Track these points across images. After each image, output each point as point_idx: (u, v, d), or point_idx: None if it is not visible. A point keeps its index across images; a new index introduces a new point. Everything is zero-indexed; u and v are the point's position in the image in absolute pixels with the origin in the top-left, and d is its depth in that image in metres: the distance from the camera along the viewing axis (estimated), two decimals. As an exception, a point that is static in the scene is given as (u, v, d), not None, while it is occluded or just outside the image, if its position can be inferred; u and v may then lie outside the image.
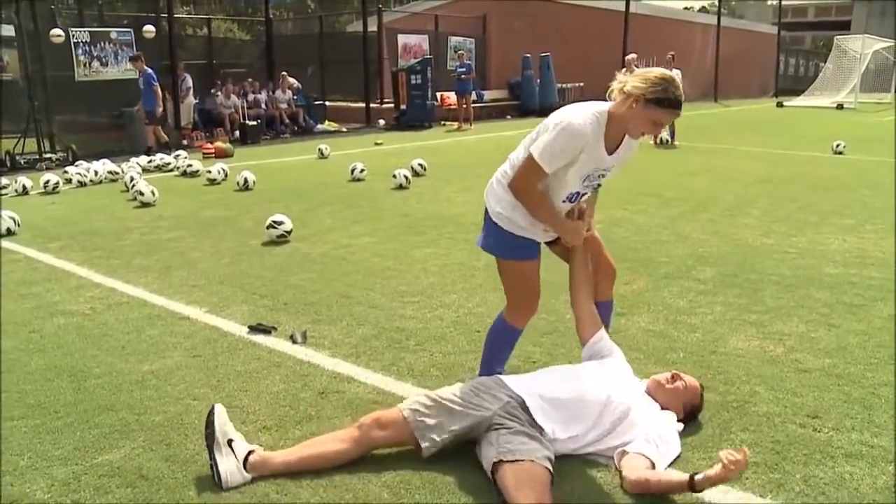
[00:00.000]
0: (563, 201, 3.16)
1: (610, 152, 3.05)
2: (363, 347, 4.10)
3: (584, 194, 3.22)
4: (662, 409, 3.07)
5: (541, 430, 2.82)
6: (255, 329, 4.32)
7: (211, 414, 2.79)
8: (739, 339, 4.19)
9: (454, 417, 2.85)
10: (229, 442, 2.75)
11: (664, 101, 2.86)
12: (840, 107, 27.95)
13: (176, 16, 18.62)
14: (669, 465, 2.84)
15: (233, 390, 3.54)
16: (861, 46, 30.59)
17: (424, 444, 2.83)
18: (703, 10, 60.52)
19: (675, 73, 13.23)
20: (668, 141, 14.45)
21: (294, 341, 4.15)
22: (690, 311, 4.67)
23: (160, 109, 13.59)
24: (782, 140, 16.13)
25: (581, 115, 2.96)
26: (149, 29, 14.93)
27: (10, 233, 6.93)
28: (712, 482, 2.47)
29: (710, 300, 4.89)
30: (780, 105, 29.53)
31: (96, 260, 6.01)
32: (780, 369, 3.78)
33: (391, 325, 4.43)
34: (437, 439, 2.83)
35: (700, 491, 2.54)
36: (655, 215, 7.57)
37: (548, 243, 3.39)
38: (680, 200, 8.40)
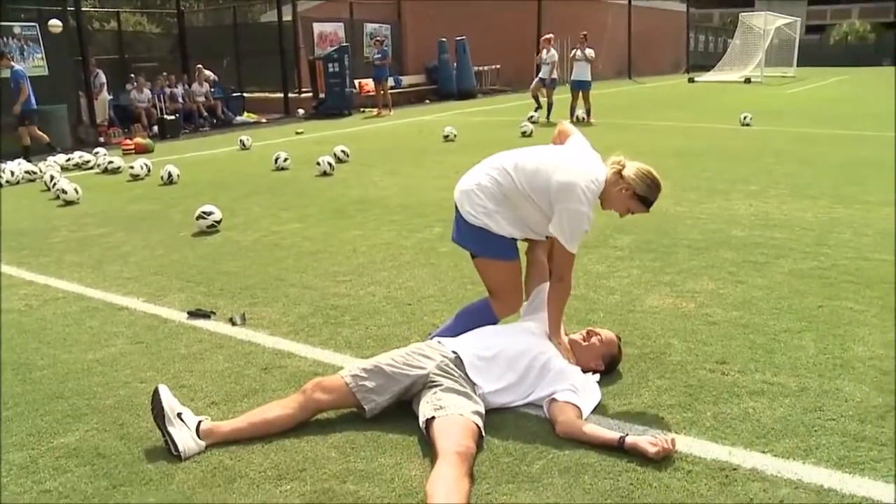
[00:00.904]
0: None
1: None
2: (301, 325, 4.27)
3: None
4: (583, 367, 3.33)
5: (473, 385, 3.05)
6: (195, 314, 4.44)
7: (156, 394, 2.91)
8: (655, 298, 4.52)
9: (392, 380, 3.06)
10: (178, 415, 2.90)
11: (647, 200, 3.35)
12: (747, 81, 29.06)
13: (83, 9, 18.15)
14: (592, 411, 3.12)
15: (178, 371, 3.67)
16: (764, 23, 31.81)
17: (368, 406, 3.03)
18: (614, -11, 61.63)
19: (589, 52, 13.63)
20: (584, 119, 14.88)
21: (234, 323, 4.29)
22: (609, 276, 4.98)
23: (17, 109, 12.55)
24: (694, 114, 16.79)
25: (587, 200, 3.27)
26: (55, 23, 14.54)
27: (-72, 237, 6.80)
28: (638, 451, 2.75)
29: (628, 265, 5.21)
30: (691, 81, 30.53)
31: (25, 259, 5.98)
32: (692, 323, 4.11)
33: (326, 304, 4.61)
34: (379, 400, 3.04)
35: (625, 451, 2.79)
36: (574, 190, 7.88)
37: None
38: (597, 175, 8.73)
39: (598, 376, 3.35)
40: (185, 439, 2.85)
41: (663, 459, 2.73)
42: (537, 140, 12.31)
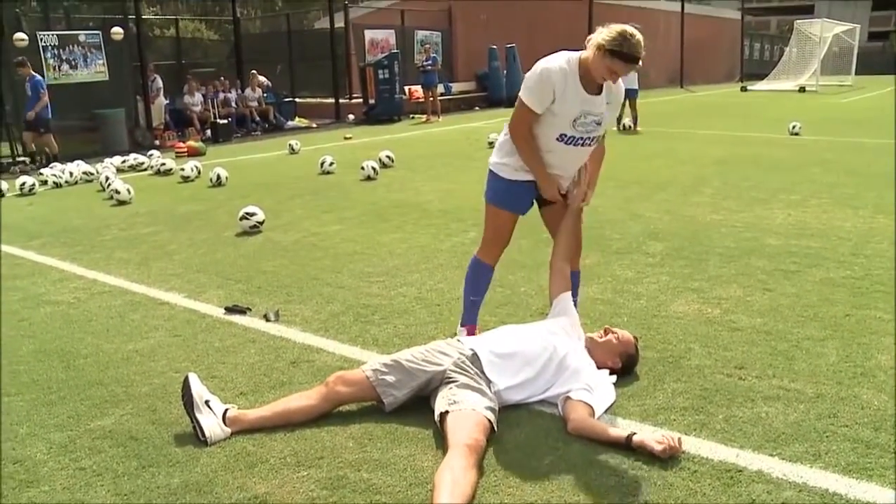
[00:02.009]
0: (557, 139, 3.53)
1: (592, 93, 3.45)
2: (331, 322, 4.42)
3: (581, 140, 3.56)
4: (599, 364, 3.42)
5: (489, 382, 3.15)
6: (231, 310, 4.62)
7: (186, 381, 3.08)
8: (680, 304, 4.56)
9: (411, 375, 3.18)
10: (206, 402, 3.06)
11: (619, 53, 3.28)
12: (802, 90, 28.55)
13: (143, 17, 18.74)
14: (606, 411, 3.19)
15: (211, 363, 3.86)
16: (821, 30, 31.22)
17: (387, 400, 3.16)
18: (669, -3, 61.06)
19: None
20: (630, 127, 14.84)
21: (267, 319, 4.46)
22: (637, 281, 5.03)
23: (31, 115, 12.68)
24: (742, 123, 16.61)
25: (552, 58, 3.45)
26: (117, 31, 15.08)
27: (-10, 233, 7.17)
28: (645, 449, 2.82)
29: (657, 271, 5.25)
30: (743, 90, 30.13)
31: (77, 255, 6.27)
32: (715, 329, 4.14)
33: (358, 303, 4.75)
34: (398, 395, 3.16)
35: (633, 449, 2.86)
36: (613, 197, 7.92)
37: (542, 209, 3.86)
38: (638, 183, 8.76)
39: (614, 377, 3.42)
40: (212, 426, 3.01)
41: (670, 458, 2.80)
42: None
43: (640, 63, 3.34)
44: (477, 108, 23.23)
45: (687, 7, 36.49)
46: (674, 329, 4.15)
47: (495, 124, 15.94)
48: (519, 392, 3.22)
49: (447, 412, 2.94)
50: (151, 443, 3.04)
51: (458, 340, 3.43)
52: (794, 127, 13.81)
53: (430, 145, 14.08)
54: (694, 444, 2.93)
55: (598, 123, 3.55)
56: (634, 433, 2.89)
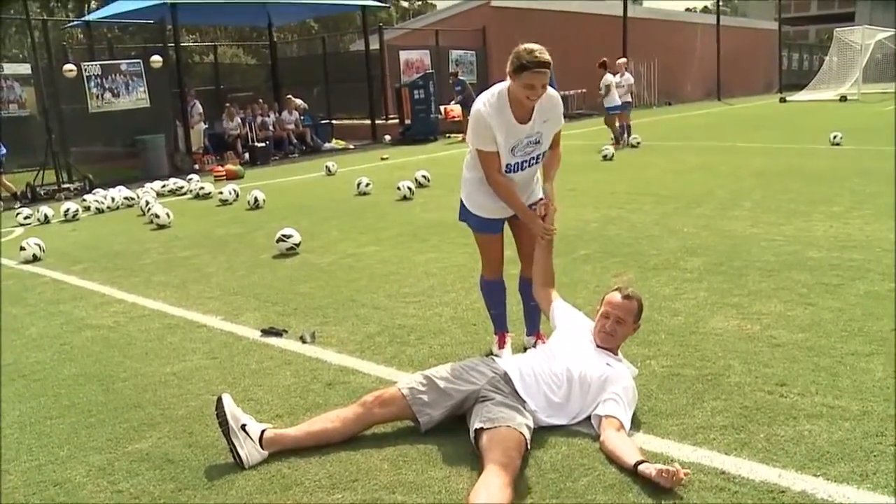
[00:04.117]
0: (505, 171, 3.69)
1: (523, 121, 3.58)
2: (367, 344, 4.42)
3: (525, 164, 3.71)
4: (617, 347, 3.41)
5: (523, 402, 3.13)
6: (268, 332, 4.66)
7: (220, 404, 3.09)
8: (719, 320, 4.48)
9: (446, 395, 3.17)
10: (243, 427, 3.06)
11: (522, 66, 3.42)
12: (843, 99, 28.08)
13: (182, 44, 19.12)
14: (636, 420, 3.17)
15: (248, 385, 3.88)
16: (861, 38, 30.71)
17: (422, 419, 3.15)
18: (705, 9, 60.72)
19: (627, 77, 13.84)
20: (637, 144, 14.85)
21: (303, 341, 4.48)
22: (675, 297, 4.96)
23: None
24: (781, 134, 16.38)
25: (482, 97, 3.61)
26: (156, 59, 15.42)
27: (35, 259, 7.35)
28: (650, 478, 2.72)
29: (695, 287, 5.18)
30: (782, 100, 29.71)
31: (118, 279, 6.39)
32: (755, 345, 4.06)
33: (393, 323, 4.75)
34: (434, 414, 3.15)
35: (638, 476, 2.78)
36: (650, 213, 7.85)
37: (512, 228, 3.98)
38: (674, 198, 8.67)
39: (636, 371, 3.40)
40: (249, 450, 3.02)
41: (676, 485, 2.69)
42: (618, 164, 12.27)
43: (551, 67, 3.46)
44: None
45: (723, 19, 36.26)
46: (713, 346, 4.08)
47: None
48: (552, 415, 3.19)
49: (482, 429, 2.92)
50: (188, 465, 3.06)
51: (493, 359, 3.42)
52: (835, 137, 13.57)
53: (466, 164, 14.07)
54: (734, 464, 2.86)
55: (537, 142, 3.67)
56: (643, 461, 2.80)
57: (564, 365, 3.26)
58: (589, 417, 3.20)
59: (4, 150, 12.28)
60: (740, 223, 7.11)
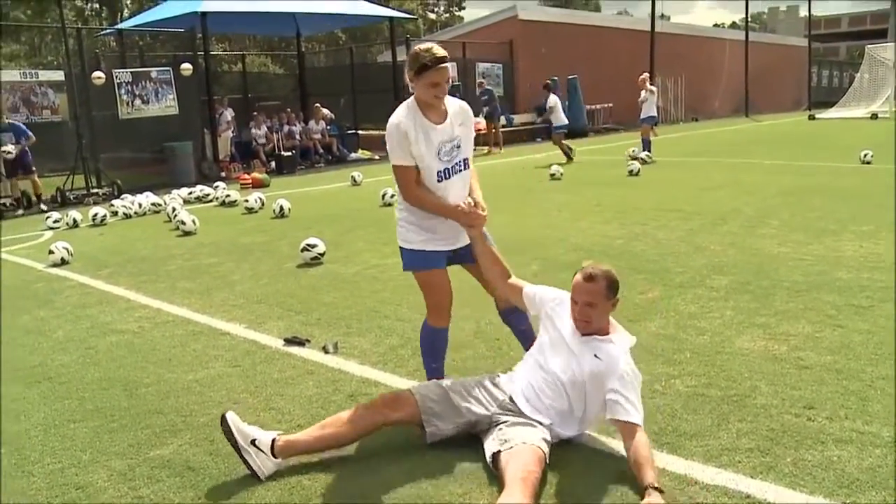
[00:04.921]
0: (438, 180, 3.57)
1: (439, 123, 3.55)
2: (390, 356, 4.41)
3: (453, 169, 3.63)
4: (605, 329, 3.20)
5: (535, 420, 3.11)
6: (291, 341, 4.66)
7: (224, 422, 3.06)
8: (745, 340, 4.42)
9: (457, 411, 3.16)
10: (252, 442, 3.04)
11: (419, 67, 3.43)
12: (874, 116, 27.76)
13: (212, 53, 19.32)
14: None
15: (270, 394, 3.88)
16: (894, 54, 30.39)
17: (429, 429, 3.13)
18: (733, 25, 60.38)
19: (652, 90, 13.97)
20: (650, 158, 14.79)
21: (326, 352, 4.48)
22: (701, 316, 4.90)
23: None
24: (810, 152, 16.22)
25: (396, 112, 3.53)
26: (186, 67, 15.59)
27: (64, 262, 7.44)
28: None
29: (721, 306, 5.11)
30: (811, 118, 29.45)
31: (143, 284, 6.43)
32: (782, 366, 4.00)
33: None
34: (441, 426, 3.13)
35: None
36: (675, 229, 7.79)
37: (465, 266, 3.80)
38: (700, 215, 8.60)
39: (632, 340, 3.23)
40: (262, 462, 3.01)
41: None
42: (644, 180, 12.19)
43: (448, 61, 3.46)
44: (539, 139, 23.22)
45: (751, 35, 36.02)
46: (739, 366, 4.02)
47: (557, 156, 15.89)
48: (564, 425, 3.15)
49: (499, 452, 2.91)
50: (208, 473, 3.06)
51: (499, 380, 3.36)
52: (865, 155, 13.41)
53: (491, 177, 14.08)
54: (760, 488, 2.82)
55: (458, 146, 3.63)
56: (651, 488, 2.70)
57: (554, 372, 3.19)
58: (595, 418, 3.17)
59: (30, 157, 12.45)
60: (768, 241, 7.03)
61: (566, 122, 16.76)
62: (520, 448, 2.86)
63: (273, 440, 3.07)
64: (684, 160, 15.49)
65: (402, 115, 3.50)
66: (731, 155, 15.97)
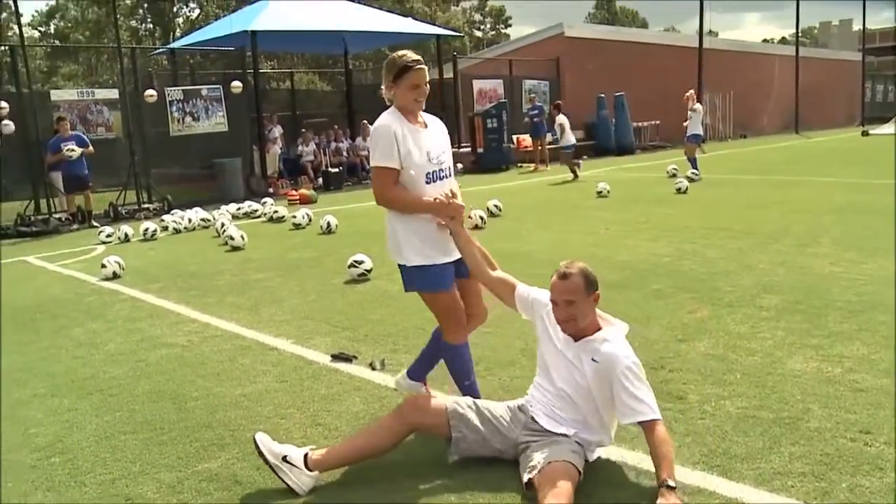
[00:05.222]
0: (427, 182, 3.52)
1: (423, 127, 3.56)
2: (436, 373, 4.39)
3: (441, 173, 3.59)
4: (592, 327, 3.17)
5: (559, 434, 3.11)
6: (338, 357, 4.69)
7: (256, 444, 3.10)
8: (798, 361, 4.33)
9: (489, 424, 3.18)
10: (283, 458, 3.05)
11: (396, 72, 3.47)
12: (931, 133, 27.10)
13: (261, 71, 19.64)
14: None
15: (316, 410, 3.91)
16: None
17: (455, 434, 3.14)
18: (783, 40, 59.53)
19: (696, 108, 13.89)
20: (694, 176, 14.55)
21: (373, 368, 4.50)
22: (751, 337, 4.81)
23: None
24: (863, 169, 15.87)
25: (380, 117, 3.53)
26: (236, 84, 15.89)
27: (115, 276, 7.60)
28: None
29: (772, 326, 5.02)
30: (865, 134, 28.86)
31: (192, 298, 6.54)
32: (836, 389, 3.90)
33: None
34: (467, 434, 3.14)
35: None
36: (724, 248, 7.67)
37: (457, 281, 3.68)
38: (750, 233, 8.47)
39: (625, 327, 3.26)
40: (297, 477, 3.03)
41: None
42: (692, 198, 12.05)
43: (422, 63, 3.47)
44: (585, 157, 23.09)
45: (802, 50, 35.46)
46: (791, 388, 3.94)
47: (604, 173, 15.84)
48: (587, 431, 3.13)
49: (531, 479, 2.90)
50: (255, 487, 3.09)
51: (521, 401, 3.35)
52: (921, 173, 13.10)
53: (537, 194, 14.07)
54: (815, 514, 2.75)
55: (444, 152, 3.63)
56: (664, 485, 2.74)
57: (560, 387, 3.18)
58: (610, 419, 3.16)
59: (88, 172, 12.79)
60: (819, 260, 6.88)
61: (574, 141, 17.33)
62: (546, 470, 2.86)
63: (306, 455, 3.08)
64: (733, 177, 15.29)
65: (387, 120, 3.51)
66: (780, 172, 15.73)
